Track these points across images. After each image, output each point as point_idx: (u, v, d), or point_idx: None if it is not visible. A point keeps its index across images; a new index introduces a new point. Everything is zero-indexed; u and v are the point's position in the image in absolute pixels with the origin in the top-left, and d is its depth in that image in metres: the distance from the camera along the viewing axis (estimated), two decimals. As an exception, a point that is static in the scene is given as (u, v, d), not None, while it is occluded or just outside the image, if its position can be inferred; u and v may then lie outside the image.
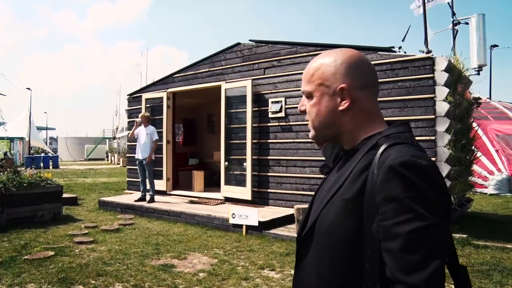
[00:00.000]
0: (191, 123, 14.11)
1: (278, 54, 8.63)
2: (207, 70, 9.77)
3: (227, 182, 9.16)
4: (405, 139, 1.15)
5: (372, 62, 7.30)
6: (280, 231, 6.96)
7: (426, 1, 9.23)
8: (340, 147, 1.49)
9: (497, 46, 22.27)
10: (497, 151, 13.95)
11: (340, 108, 1.22)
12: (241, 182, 8.86)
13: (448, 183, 6.90)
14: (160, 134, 9.70)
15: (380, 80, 7.26)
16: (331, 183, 1.25)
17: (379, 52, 7.55)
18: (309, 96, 1.26)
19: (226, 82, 9.26)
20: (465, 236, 6.48)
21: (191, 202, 9.22)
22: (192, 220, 7.83)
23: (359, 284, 1.08)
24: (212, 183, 11.17)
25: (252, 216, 6.96)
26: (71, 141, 47.93)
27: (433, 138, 6.91)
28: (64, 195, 9.22)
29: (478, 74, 9.42)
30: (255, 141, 8.75)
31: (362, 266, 1.07)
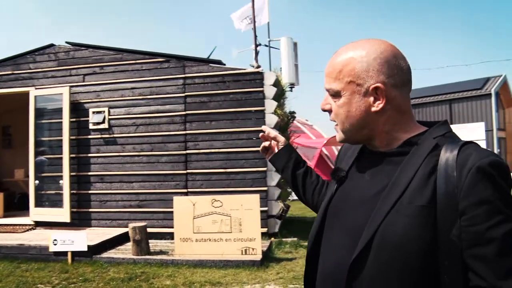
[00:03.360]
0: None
1: (101, 60, 7.89)
2: (10, 73, 8.28)
3: (38, 204, 7.87)
4: (459, 138, 1.08)
5: (204, 74, 7.41)
6: (113, 254, 6.29)
7: (250, 21, 9.75)
8: (352, 148, 1.33)
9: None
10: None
11: (374, 109, 1.09)
12: (57, 203, 7.73)
13: (278, 191, 7.33)
14: None
15: (212, 92, 7.34)
16: (372, 190, 1.09)
17: (210, 64, 7.60)
18: (336, 95, 1.11)
19: (36, 88, 8.01)
20: (295, 239, 6.96)
21: (-9, 230, 7.63)
22: (-2, 253, 6.44)
23: None
24: (12, 207, 9.50)
25: (80, 240, 6.09)
26: None
27: (263, 148, 7.22)
28: None
29: (291, 90, 10.39)
30: (74, 155, 7.78)
31: (438, 278, 0.96)
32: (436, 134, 1.08)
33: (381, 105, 1.08)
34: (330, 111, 1.15)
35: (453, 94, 21.96)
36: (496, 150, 20.08)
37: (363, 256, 1.01)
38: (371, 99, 1.08)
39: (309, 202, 1.61)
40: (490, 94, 20.80)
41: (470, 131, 15.10)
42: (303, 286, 1.27)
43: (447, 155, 1.00)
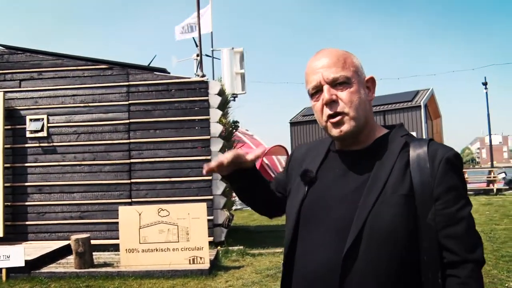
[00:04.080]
0: None
1: (39, 65, 7.56)
2: None
3: (-34, 218, 7.35)
4: (416, 137, 1.25)
5: (148, 82, 7.32)
6: (54, 268, 6.01)
7: (190, 30, 9.75)
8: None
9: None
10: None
11: (369, 98, 1.24)
12: (-12, 216, 7.26)
13: (223, 199, 7.35)
14: None
15: (156, 100, 7.28)
16: (351, 186, 1.18)
17: (155, 73, 7.53)
18: (347, 82, 1.18)
19: (-35, 94, 7.52)
20: (242, 247, 7.00)
21: None
22: None
23: (416, 274, 1.10)
24: None
25: (16, 255, 5.73)
26: None
27: (209, 157, 7.25)
28: None
29: (234, 100, 10.47)
30: (8, 165, 7.35)
31: (418, 258, 1.10)
32: (401, 133, 1.23)
33: (373, 95, 1.24)
34: (335, 101, 1.17)
35: (387, 105, 23.10)
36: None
37: (355, 248, 1.08)
38: (366, 90, 1.23)
39: (261, 210, 1.58)
40: (419, 106, 22.10)
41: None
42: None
43: (418, 151, 1.15)
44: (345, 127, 1.18)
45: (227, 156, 1.32)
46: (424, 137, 21.30)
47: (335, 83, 1.17)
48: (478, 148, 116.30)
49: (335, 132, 1.19)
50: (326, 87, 1.18)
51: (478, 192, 16.68)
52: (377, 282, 1.08)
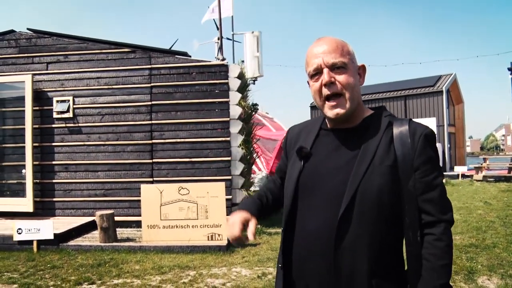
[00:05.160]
0: None
1: (65, 48, 7.83)
2: (-32, 59, 8.08)
3: (-2, 194, 7.76)
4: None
5: (170, 65, 7.50)
6: (80, 241, 6.34)
7: (212, 11, 9.87)
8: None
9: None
10: (257, 153, 15.94)
11: (360, 83, 1.42)
12: (19, 193, 7.67)
13: (242, 180, 7.55)
14: None
15: (177, 83, 7.46)
16: (343, 159, 1.34)
17: (176, 56, 7.70)
18: (344, 67, 1.34)
19: (-4, 76, 7.86)
20: (259, 226, 7.22)
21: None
22: (-40, 241, 6.33)
23: (399, 233, 1.30)
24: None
25: (46, 228, 6.09)
26: None
27: (228, 139, 7.45)
28: None
29: (254, 83, 10.62)
30: (37, 144, 7.70)
31: (401, 220, 1.29)
32: (385, 114, 1.41)
33: (363, 81, 1.42)
34: (333, 83, 1.33)
35: (408, 90, 22.88)
36: (446, 145, 21.14)
37: (348, 211, 1.26)
38: (358, 76, 1.40)
39: (276, 211, 1.70)
40: (441, 92, 21.82)
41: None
42: (268, 268, 1.44)
43: (400, 128, 1.33)
44: (341, 110, 1.34)
45: (236, 233, 1.42)
46: (445, 123, 21.21)
47: (333, 67, 1.34)
48: (503, 135, 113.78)
49: (331, 113, 1.36)
50: (326, 70, 1.34)
51: (499, 179, 16.51)
52: (368, 240, 1.26)
